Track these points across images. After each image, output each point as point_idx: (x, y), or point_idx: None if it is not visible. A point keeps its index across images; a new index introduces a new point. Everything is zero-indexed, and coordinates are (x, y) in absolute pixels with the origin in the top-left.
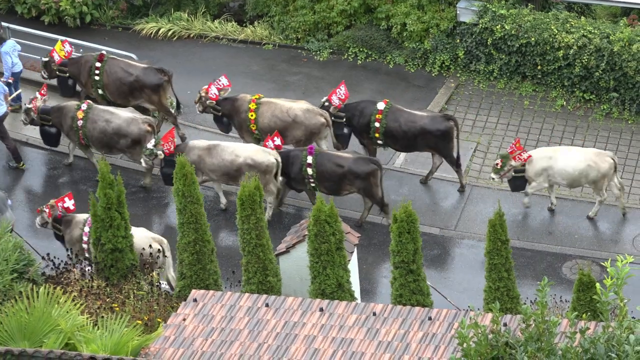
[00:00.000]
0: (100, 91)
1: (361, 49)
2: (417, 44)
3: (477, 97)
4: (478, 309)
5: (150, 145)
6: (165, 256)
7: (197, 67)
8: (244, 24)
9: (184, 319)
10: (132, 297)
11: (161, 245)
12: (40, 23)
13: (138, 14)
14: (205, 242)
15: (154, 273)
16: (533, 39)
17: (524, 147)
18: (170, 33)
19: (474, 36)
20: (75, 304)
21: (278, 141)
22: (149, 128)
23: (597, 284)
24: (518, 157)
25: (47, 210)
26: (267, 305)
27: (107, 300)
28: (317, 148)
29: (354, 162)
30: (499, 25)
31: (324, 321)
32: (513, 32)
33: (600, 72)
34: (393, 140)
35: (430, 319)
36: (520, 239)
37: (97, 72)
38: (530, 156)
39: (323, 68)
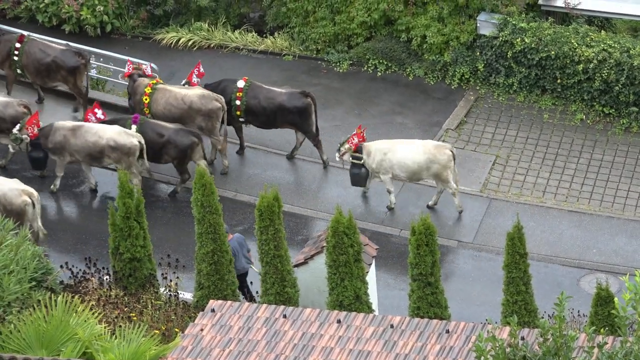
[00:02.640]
0: (19, 71)
1: (381, 61)
2: (437, 56)
3: (496, 110)
4: (496, 322)
5: (15, 130)
6: (34, 208)
7: (217, 78)
8: (264, 35)
9: (202, 329)
10: (150, 306)
11: (31, 198)
12: (61, 32)
13: (158, 24)
14: (224, 253)
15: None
16: (553, 52)
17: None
18: (190, 43)
19: (494, 49)
20: (93, 313)
21: (100, 114)
22: (25, 110)
23: (616, 299)
24: (351, 141)
25: None
26: (284, 316)
27: (125, 309)
28: (142, 117)
29: (175, 133)
30: (519, 39)
31: (341, 333)
32: (533, 45)
33: (620, 86)
34: (253, 117)
35: (447, 331)
36: (539, 252)
37: (16, 52)
38: (358, 144)
39: (343, 79)
